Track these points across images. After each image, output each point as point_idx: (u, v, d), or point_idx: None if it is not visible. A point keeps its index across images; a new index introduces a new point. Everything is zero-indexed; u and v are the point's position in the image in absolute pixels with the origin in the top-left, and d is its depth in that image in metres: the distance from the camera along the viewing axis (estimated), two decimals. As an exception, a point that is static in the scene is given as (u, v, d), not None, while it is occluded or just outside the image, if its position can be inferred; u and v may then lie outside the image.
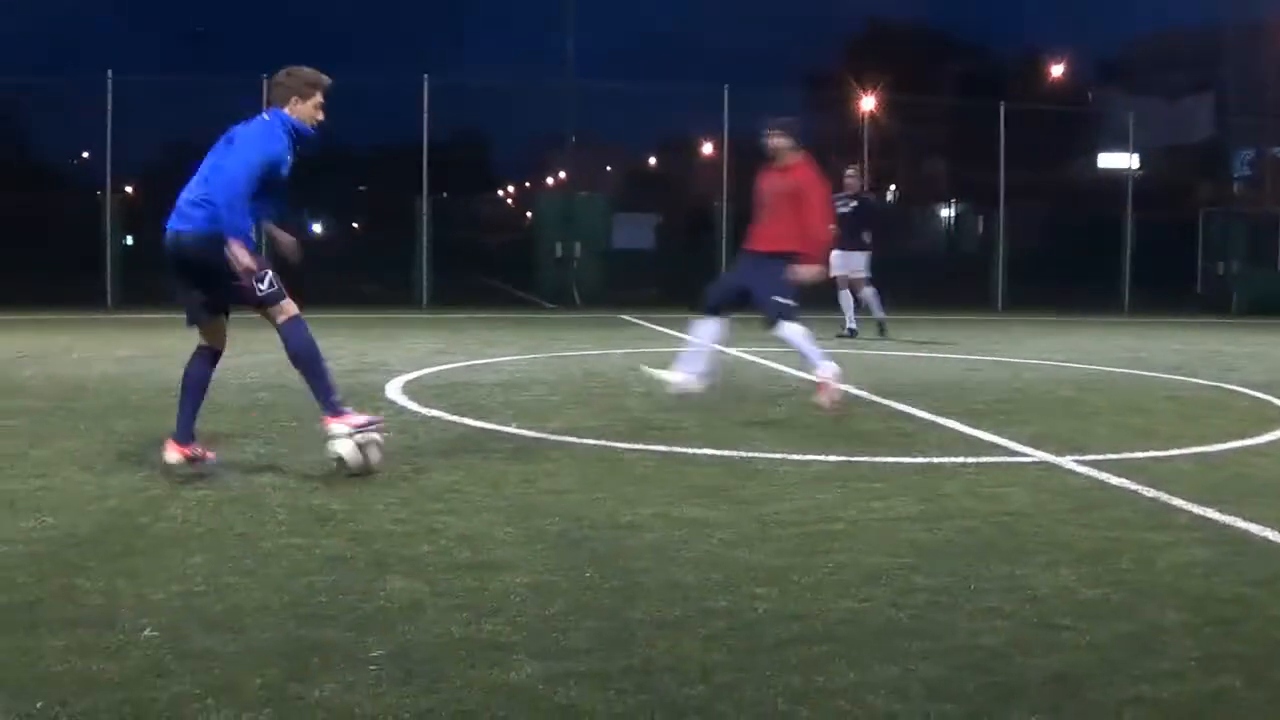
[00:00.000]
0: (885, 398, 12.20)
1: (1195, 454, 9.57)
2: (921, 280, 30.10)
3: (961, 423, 10.71)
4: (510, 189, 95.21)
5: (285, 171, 7.99)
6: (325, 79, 8.17)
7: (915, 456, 9.10)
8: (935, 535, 6.78)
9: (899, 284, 26.30)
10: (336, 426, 7.98)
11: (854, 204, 20.28)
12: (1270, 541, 6.89)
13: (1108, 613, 5.49)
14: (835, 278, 19.50)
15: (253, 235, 7.82)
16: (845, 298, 20.56)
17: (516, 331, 21.56)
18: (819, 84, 65.07)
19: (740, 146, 29.00)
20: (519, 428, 10.15)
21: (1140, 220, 31.85)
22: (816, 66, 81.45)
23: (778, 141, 11.18)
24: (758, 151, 11.53)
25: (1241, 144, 49.41)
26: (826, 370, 10.88)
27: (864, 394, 12.44)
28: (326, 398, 8.04)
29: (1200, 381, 14.63)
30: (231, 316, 8.31)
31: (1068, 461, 9.06)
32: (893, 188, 56.78)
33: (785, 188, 11.13)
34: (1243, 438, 10.37)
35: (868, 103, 47.17)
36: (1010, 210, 30.78)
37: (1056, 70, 63.11)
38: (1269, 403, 12.75)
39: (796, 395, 12.31)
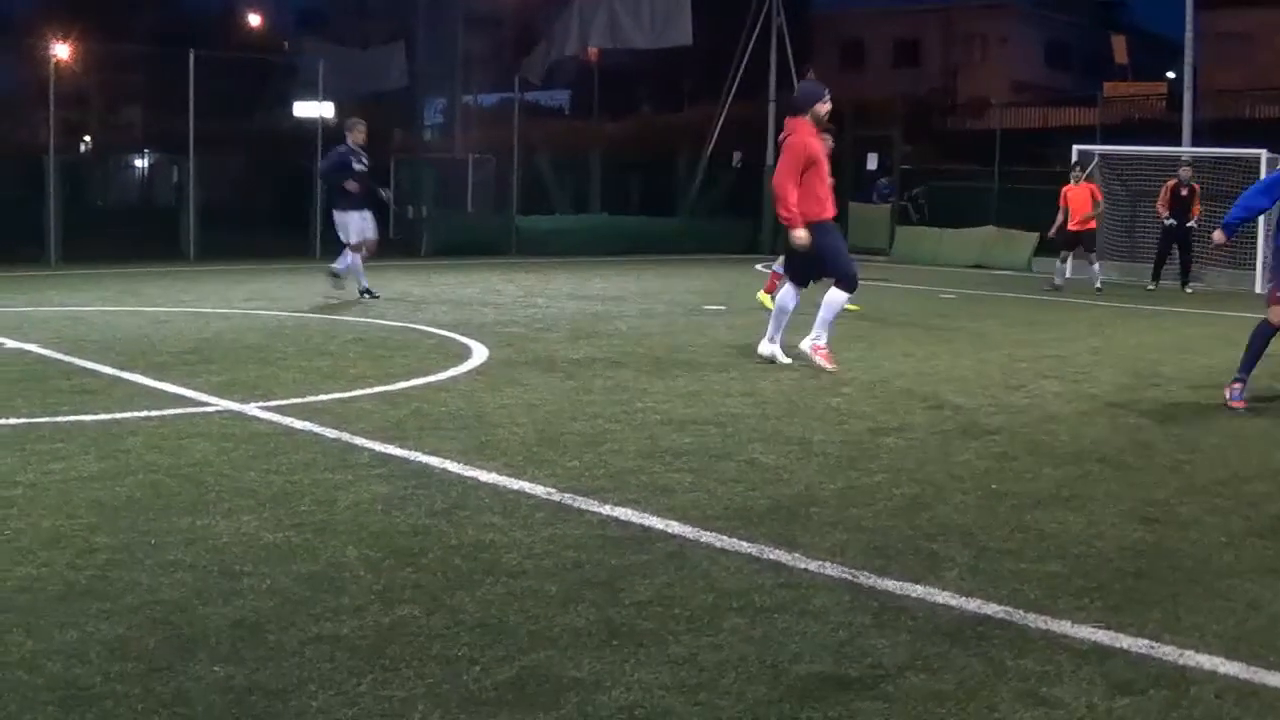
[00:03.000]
0: (70, 355, 11.70)
1: (379, 393, 9.84)
2: (116, 233, 29.12)
3: (147, 376, 10.44)
4: None
5: None
6: None
7: (98, 414, 8.79)
8: (117, 492, 6.59)
9: (92, 237, 25.54)
10: None
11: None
12: (449, 472, 7.22)
13: (289, 555, 5.56)
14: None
15: None
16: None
17: None
18: (4, 30, 61.60)
19: None
20: None
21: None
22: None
23: None
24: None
25: (433, 93, 51.03)
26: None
27: (48, 353, 11.91)
28: None
29: (389, 323, 15.03)
30: None
31: (253, 408, 9.08)
32: (86, 139, 54.67)
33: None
34: (426, 375, 10.78)
35: (61, 51, 45.05)
36: (203, 160, 30.25)
37: (254, 20, 62.87)
38: (452, 339, 13.30)
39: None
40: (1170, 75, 52.24)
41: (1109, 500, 7.08)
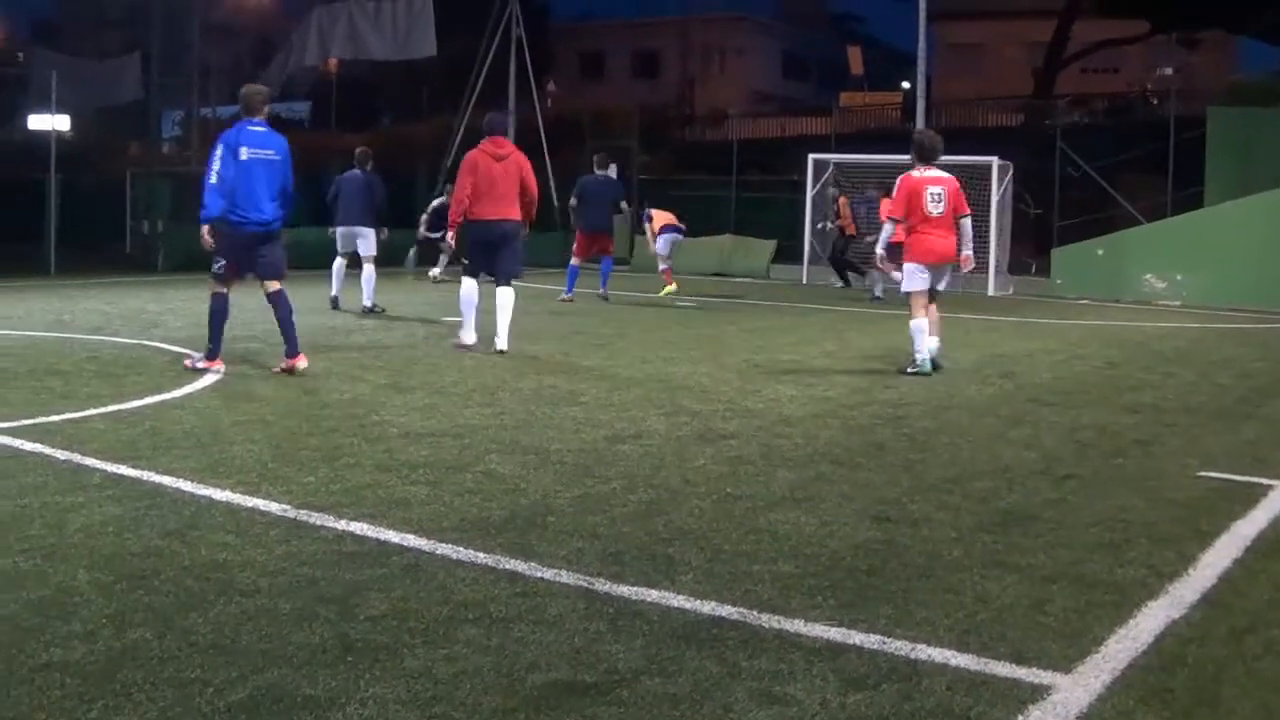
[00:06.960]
0: None
1: (111, 412, 9.62)
2: None
3: None
4: None
5: None
6: None
7: None
8: None
9: None
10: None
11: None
12: (182, 491, 7.11)
13: (17, 581, 5.42)
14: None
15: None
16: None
17: None
18: None
19: None
20: None
21: (67, 181, 31.40)
22: None
23: None
24: None
25: (170, 105, 50.04)
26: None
27: None
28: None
29: (123, 340, 14.65)
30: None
31: (-18, 432, 8.79)
32: None
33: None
34: (160, 392, 10.55)
35: None
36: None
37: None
38: (187, 356, 12.99)
39: None
40: (905, 85, 53.69)
41: (841, 500, 7.29)
